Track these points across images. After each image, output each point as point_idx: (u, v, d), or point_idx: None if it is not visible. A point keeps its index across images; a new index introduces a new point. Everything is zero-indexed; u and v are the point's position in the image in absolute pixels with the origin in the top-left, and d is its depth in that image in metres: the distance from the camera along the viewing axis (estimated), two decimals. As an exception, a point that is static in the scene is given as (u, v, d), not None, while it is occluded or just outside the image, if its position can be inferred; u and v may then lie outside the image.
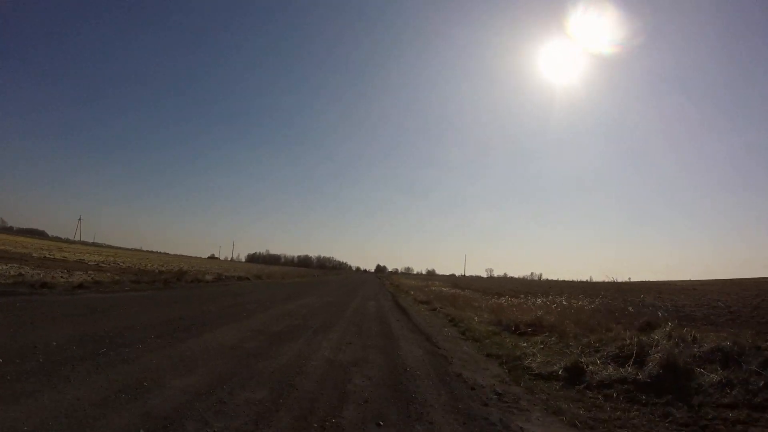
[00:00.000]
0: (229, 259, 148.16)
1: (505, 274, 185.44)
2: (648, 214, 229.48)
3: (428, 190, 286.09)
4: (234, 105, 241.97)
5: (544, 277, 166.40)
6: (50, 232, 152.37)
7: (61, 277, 15.64)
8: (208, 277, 25.36)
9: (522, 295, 20.91)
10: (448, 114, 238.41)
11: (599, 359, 6.80)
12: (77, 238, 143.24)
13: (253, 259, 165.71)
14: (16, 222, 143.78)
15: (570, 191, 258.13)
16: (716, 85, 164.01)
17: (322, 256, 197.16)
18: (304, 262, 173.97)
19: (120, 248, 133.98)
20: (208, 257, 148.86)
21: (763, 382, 5.18)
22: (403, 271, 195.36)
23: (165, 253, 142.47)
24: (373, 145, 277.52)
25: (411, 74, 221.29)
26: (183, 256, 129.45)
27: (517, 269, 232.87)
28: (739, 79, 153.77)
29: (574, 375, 6.31)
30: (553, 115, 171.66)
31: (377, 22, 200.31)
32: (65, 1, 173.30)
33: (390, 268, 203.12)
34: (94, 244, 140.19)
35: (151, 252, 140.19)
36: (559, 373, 6.46)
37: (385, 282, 57.85)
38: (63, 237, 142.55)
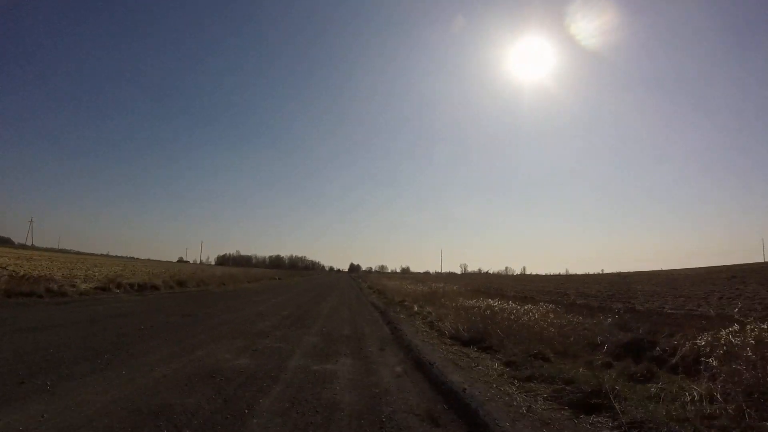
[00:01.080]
0: (198, 261, 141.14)
1: (479, 269, 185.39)
2: (627, 206, 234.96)
3: (403, 186, 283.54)
4: (201, 102, 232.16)
5: (520, 272, 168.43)
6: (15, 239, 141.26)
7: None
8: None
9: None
10: (425, 109, 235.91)
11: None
12: (29, 243, 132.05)
13: (223, 261, 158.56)
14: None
15: (547, 185, 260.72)
16: (697, 78, 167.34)
17: (295, 256, 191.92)
18: (276, 262, 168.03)
19: (85, 254, 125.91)
20: (177, 260, 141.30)
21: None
22: (377, 269, 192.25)
23: (135, 258, 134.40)
24: (347, 143, 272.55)
25: (386, 69, 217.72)
26: (153, 260, 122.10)
27: (493, 264, 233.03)
28: (716, 71, 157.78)
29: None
30: (530, 109, 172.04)
31: (355, 17, 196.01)
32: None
33: (364, 267, 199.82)
34: (53, 250, 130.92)
35: (121, 258, 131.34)
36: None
37: (361, 284, 45.55)
38: (16, 242, 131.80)
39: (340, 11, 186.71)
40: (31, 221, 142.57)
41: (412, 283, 34.50)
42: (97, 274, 26.96)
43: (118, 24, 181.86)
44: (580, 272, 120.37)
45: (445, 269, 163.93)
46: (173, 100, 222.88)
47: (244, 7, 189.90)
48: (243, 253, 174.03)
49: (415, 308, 16.77)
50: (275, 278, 54.22)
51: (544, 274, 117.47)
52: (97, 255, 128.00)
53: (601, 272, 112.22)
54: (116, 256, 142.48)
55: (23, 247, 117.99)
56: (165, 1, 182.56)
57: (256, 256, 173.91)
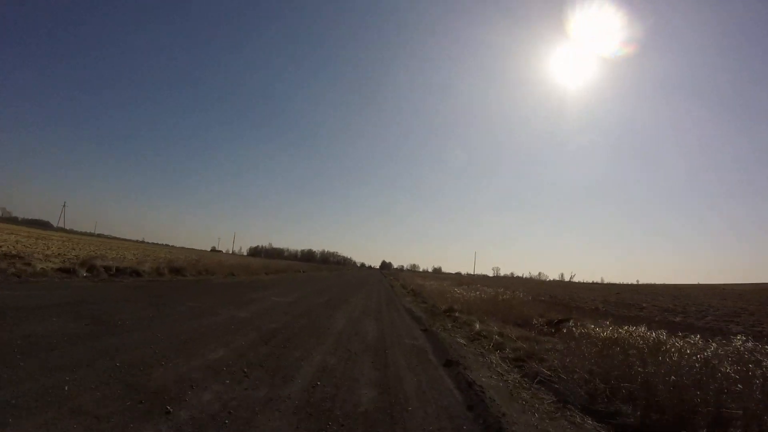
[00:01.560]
0: (230, 252, 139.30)
1: (512, 273, 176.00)
2: (655, 219, 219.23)
3: (434, 190, 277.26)
4: (245, 102, 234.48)
5: (556, 278, 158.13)
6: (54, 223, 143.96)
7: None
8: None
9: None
10: (456, 116, 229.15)
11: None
12: (60, 225, 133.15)
13: (255, 252, 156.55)
14: (20, 212, 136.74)
15: (577, 195, 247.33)
16: (725, 88, 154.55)
17: (327, 250, 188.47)
18: (308, 256, 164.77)
19: (119, 239, 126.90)
20: (210, 250, 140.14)
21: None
22: (408, 268, 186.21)
23: (169, 246, 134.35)
24: (381, 146, 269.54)
25: (419, 77, 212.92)
26: (187, 248, 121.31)
27: (522, 269, 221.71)
28: (747, 80, 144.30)
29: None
30: (561, 119, 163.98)
31: (385, 24, 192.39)
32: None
33: (395, 265, 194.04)
34: (88, 234, 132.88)
35: (156, 244, 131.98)
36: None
37: (393, 283, 43.28)
38: (55, 225, 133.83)
39: (374, 14, 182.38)
40: (64, 205, 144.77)
41: (453, 284, 28.77)
42: (82, 254, 22.79)
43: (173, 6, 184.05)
44: (615, 281, 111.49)
45: (477, 271, 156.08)
46: (217, 91, 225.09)
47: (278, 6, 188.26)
48: (276, 245, 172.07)
49: (477, 326, 11.11)
50: (300, 271, 47.93)
51: (590, 282, 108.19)
52: (131, 240, 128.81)
53: (636, 282, 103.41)
54: (152, 243, 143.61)
55: (59, 229, 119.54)
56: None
57: (288, 249, 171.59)
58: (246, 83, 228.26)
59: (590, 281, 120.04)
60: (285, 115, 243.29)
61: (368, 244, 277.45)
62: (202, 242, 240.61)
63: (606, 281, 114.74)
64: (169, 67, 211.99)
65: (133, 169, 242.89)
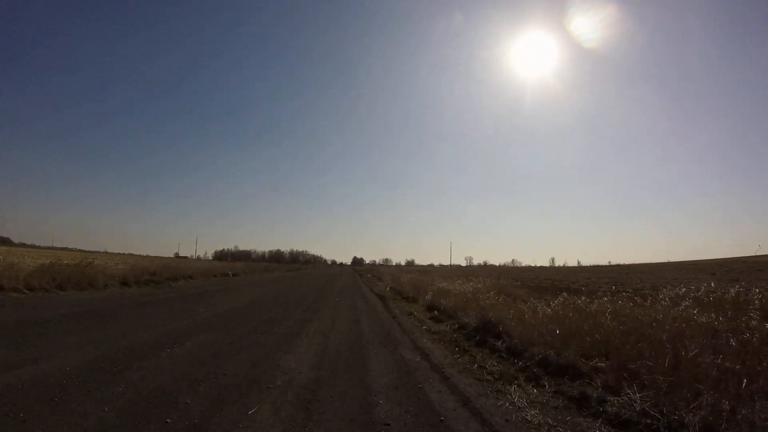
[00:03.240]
0: (194, 257, 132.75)
1: (485, 262, 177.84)
2: (629, 202, 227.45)
3: (404, 182, 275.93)
4: (198, 96, 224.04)
5: (537, 263, 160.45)
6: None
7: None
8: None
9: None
10: (429, 107, 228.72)
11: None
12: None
13: (221, 256, 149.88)
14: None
15: (551, 182, 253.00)
16: (700, 78, 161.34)
17: (296, 250, 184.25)
18: (276, 257, 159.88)
19: (79, 251, 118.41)
20: (175, 256, 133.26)
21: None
22: (381, 262, 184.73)
23: (130, 254, 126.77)
24: (351, 138, 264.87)
25: (387, 68, 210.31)
26: (150, 256, 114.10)
27: (494, 257, 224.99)
28: (719, 71, 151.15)
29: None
30: (533, 108, 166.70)
31: (359, 16, 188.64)
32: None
33: (367, 261, 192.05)
34: (48, 248, 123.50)
35: (117, 254, 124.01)
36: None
37: (374, 283, 31.47)
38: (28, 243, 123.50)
39: (343, 10, 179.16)
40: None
41: (443, 279, 26.35)
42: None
43: (120, 23, 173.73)
44: (586, 264, 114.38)
45: (448, 262, 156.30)
46: (173, 96, 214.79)
47: (247, 6, 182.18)
48: (242, 248, 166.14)
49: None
50: (228, 274, 31.45)
51: (583, 265, 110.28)
52: (92, 252, 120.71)
53: (609, 264, 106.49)
54: (115, 253, 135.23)
55: (20, 245, 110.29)
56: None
57: (255, 251, 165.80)
58: (203, 77, 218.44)
59: (575, 264, 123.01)
60: (245, 110, 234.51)
61: (338, 242, 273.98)
62: (166, 249, 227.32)
63: (590, 263, 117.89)
64: (128, 76, 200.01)
65: (92, 183, 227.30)
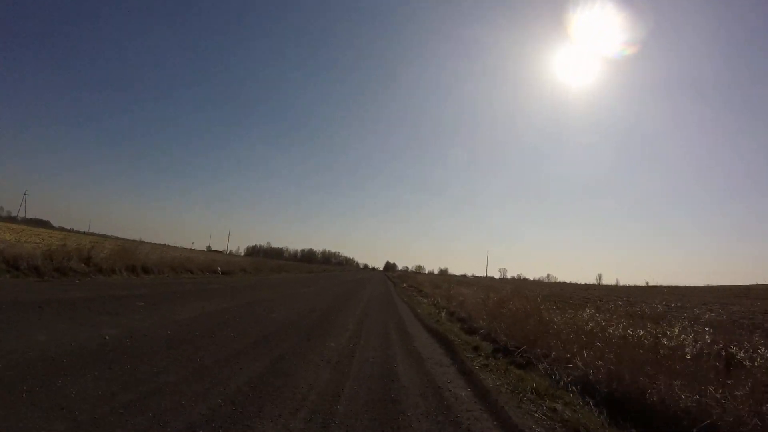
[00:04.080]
0: (225, 251, 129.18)
1: (519, 275, 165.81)
2: (660, 218, 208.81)
3: (439, 189, 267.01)
4: (244, 100, 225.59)
5: (559, 279, 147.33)
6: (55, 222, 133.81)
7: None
8: None
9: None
10: (459, 114, 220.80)
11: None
12: (20, 216, 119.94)
13: (253, 252, 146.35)
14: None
15: (587, 193, 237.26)
16: (728, 87, 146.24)
17: (328, 251, 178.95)
18: (308, 256, 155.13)
19: (118, 238, 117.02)
20: (207, 249, 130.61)
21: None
22: (413, 269, 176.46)
23: (166, 245, 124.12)
24: (384, 144, 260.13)
25: (422, 73, 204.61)
26: (185, 248, 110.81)
27: (526, 270, 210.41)
28: (749, 79, 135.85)
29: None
30: (564, 117, 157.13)
31: (388, 21, 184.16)
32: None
33: (399, 266, 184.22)
34: (84, 233, 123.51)
35: (153, 244, 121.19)
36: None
37: (417, 301, 22.20)
38: (68, 227, 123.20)
39: (382, 9, 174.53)
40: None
41: (514, 295, 18.44)
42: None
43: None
44: (624, 283, 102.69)
45: (481, 272, 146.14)
46: (215, 88, 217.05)
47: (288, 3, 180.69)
48: (275, 245, 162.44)
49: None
50: (217, 271, 23.30)
51: (624, 285, 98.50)
52: (130, 240, 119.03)
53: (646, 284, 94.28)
54: (149, 242, 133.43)
55: (59, 228, 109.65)
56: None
57: (287, 249, 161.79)
58: (246, 80, 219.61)
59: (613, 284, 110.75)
60: (286, 112, 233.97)
61: (371, 245, 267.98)
62: (199, 241, 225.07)
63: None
64: (166, 66, 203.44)
65: (129, 168, 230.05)
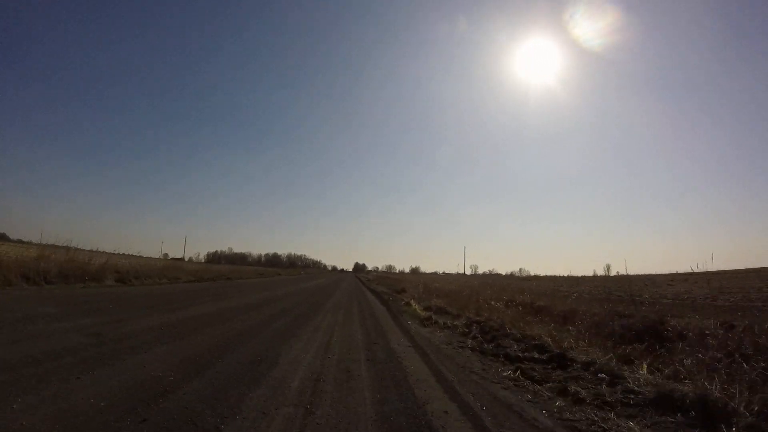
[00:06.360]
0: (185, 259, 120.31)
1: (491, 270, 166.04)
2: (634, 209, 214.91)
3: (407, 187, 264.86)
4: (200, 97, 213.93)
5: (532, 273, 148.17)
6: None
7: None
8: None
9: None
10: (431, 112, 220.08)
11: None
12: None
13: (214, 258, 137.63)
14: None
15: (556, 187, 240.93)
16: (704, 82, 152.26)
17: (294, 254, 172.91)
18: (273, 261, 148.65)
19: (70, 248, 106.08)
20: (163, 256, 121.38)
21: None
22: (383, 269, 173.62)
23: (122, 254, 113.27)
24: (353, 143, 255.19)
25: (390, 73, 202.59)
26: (136, 256, 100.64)
27: (498, 266, 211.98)
28: (725, 74, 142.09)
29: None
30: (536, 112, 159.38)
31: (360, 20, 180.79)
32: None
33: (369, 267, 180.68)
34: (31, 243, 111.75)
35: (112, 253, 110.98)
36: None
37: (398, 308, 14.56)
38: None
39: (344, 12, 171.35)
40: None
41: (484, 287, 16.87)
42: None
43: (118, 21, 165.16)
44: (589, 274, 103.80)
45: (452, 269, 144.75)
46: (170, 95, 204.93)
47: (246, 7, 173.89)
48: (237, 250, 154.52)
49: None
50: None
51: (591, 275, 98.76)
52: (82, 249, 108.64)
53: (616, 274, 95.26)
54: (106, 252, 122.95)
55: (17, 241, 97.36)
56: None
57: (251, 254, 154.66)
58: (203, 79, 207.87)
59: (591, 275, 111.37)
60: (247, 111, 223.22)
61: (339, 247, 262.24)
62: (150, 249, 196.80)
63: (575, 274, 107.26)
64: (125, 76, 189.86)
65: (74, 173, 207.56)
